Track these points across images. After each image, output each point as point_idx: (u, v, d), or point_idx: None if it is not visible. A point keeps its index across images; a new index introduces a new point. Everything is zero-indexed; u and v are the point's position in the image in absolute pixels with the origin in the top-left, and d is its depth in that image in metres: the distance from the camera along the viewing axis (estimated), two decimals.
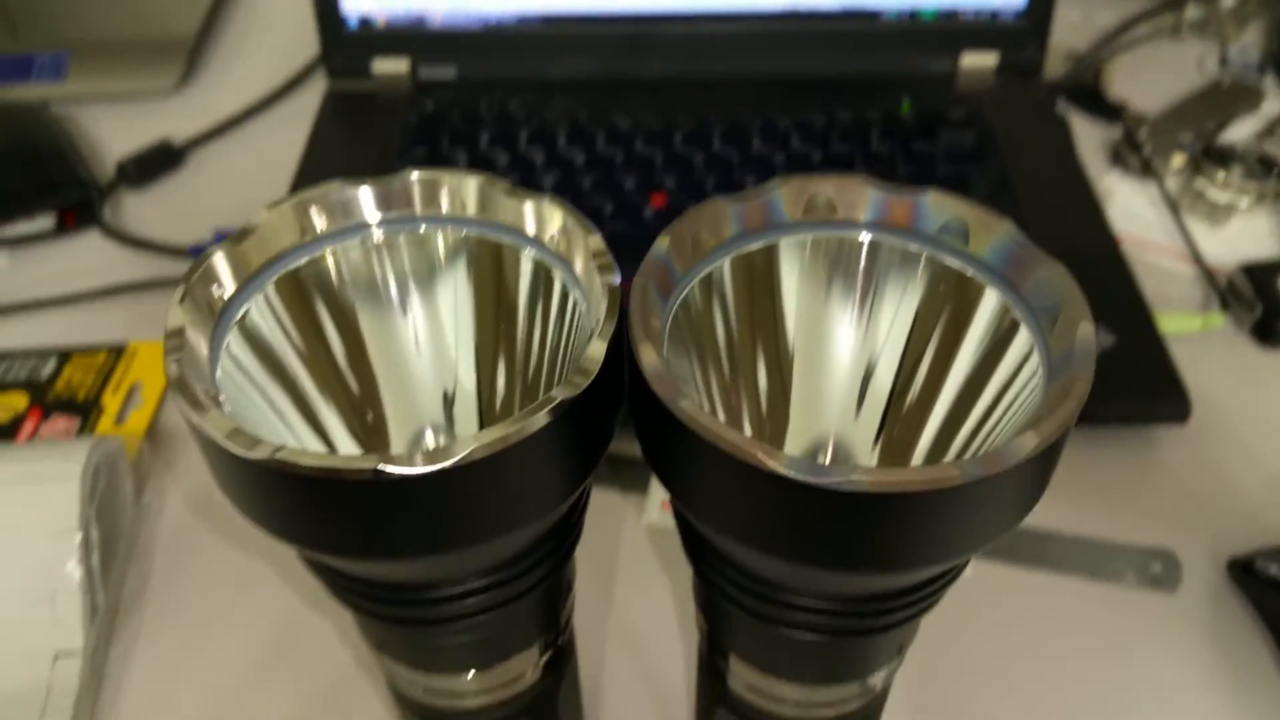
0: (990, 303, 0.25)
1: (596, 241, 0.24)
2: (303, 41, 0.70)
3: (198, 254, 0.56)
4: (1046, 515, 0.44)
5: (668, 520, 0.45)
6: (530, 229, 0.26)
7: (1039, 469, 0.21)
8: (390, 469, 0.20)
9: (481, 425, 0.28)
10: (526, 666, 0.28)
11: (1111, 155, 0.64)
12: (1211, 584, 0.43)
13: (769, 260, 0.26)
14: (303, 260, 0.26)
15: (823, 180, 0.26)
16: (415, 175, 0.26)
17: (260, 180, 0.60)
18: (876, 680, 0.28)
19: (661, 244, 0.24)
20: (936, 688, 0.40)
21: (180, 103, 0.70)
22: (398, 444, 0.27)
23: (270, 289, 0.25)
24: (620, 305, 0.23)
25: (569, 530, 0.26)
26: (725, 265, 0.26)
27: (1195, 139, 0.63)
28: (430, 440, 0.28)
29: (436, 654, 0.27)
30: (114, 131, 0.67)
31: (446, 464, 0.20)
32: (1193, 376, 0.48)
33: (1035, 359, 0.23)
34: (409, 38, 0.64)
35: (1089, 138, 0.65)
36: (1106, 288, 0.53)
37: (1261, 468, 0.47)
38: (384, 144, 0.61)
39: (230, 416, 0.22)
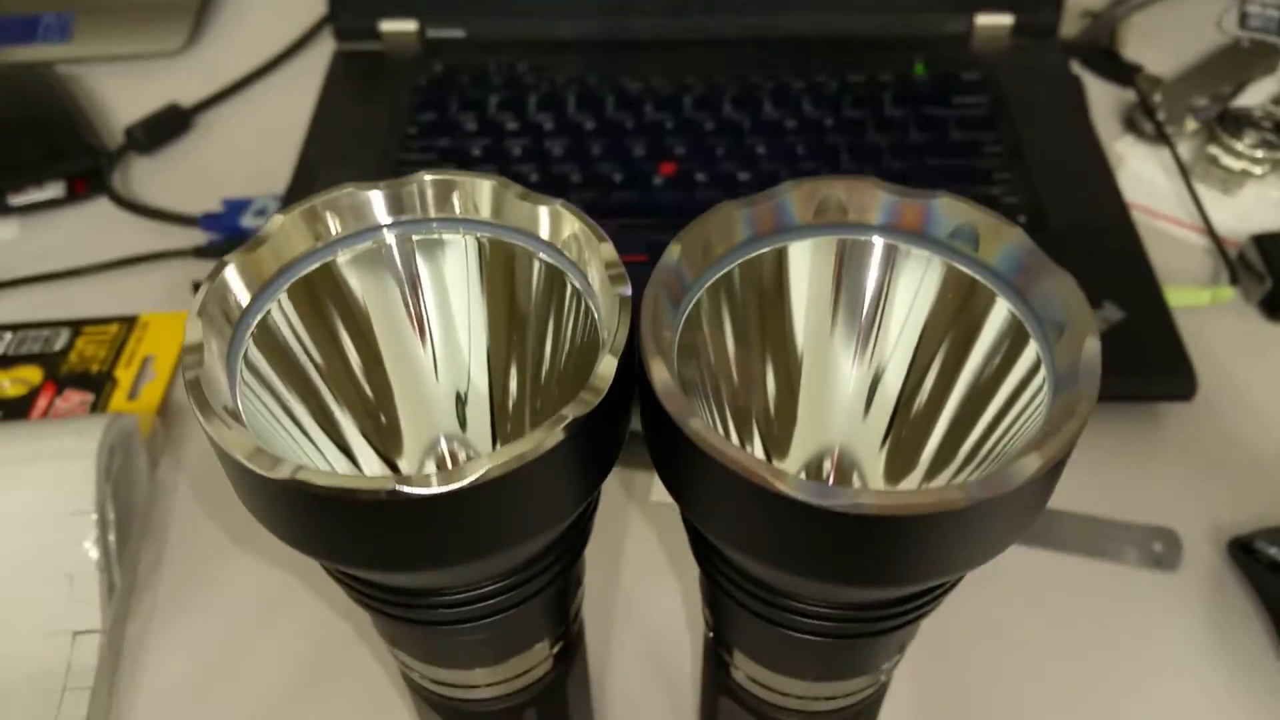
0: (1000, 312, 0.25)
1: (609, 250, 0.24)
2: (309, 1, 0.69)
3: (208, 224, 0.57)
4: None
5: None
6: (544, 233, 0.26)
7: (1041, 488, 0.22)
8: (406, 489, 0.20)
9: (494, 426, 0.28)
10: (538, 659, 0.29)
11: (1125, 120, 0.64)
12: (1212, 564, 0.43)
13: (779, 263, 0.26)
14: (315, 265, 0.26)
15: (834, 182, 0.26)
16: (428, 178, 0.26)
17: (270, 145, 0.60)
18: (879, 674, 0.29)
19: (673, 252, 0.24)
20: (936, 665, 0.40)
21: (187, 63, 0.69)
22: (412, 446, 0.28)
23: (284, 296, 0.25)
24: (632, 317, 0.23)
25: (580, 532, 0.26)
26: (735, 270, 0.26)
27: (1210, 103, 0.62)
28: (444, 446, 0.28)
29: (449, 651, 0.28)
30: (120, 93, 0.66)
31: (461, 484, 0.20)
32: (1200, 351, 0.48)
33: (1043, 371, 0.23)
34: None
35: (1103, 101, 0.64)
36: (1116, 259, 0.53)
37: (1266, 446, 0.47)
38: (393, 107, 0.61)
39: (247, 424, 0.22)
